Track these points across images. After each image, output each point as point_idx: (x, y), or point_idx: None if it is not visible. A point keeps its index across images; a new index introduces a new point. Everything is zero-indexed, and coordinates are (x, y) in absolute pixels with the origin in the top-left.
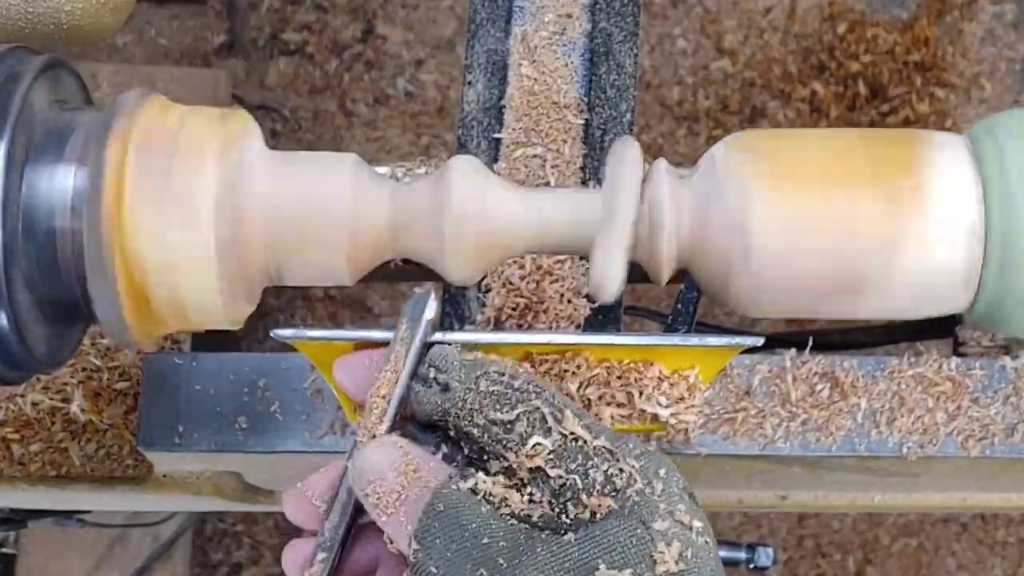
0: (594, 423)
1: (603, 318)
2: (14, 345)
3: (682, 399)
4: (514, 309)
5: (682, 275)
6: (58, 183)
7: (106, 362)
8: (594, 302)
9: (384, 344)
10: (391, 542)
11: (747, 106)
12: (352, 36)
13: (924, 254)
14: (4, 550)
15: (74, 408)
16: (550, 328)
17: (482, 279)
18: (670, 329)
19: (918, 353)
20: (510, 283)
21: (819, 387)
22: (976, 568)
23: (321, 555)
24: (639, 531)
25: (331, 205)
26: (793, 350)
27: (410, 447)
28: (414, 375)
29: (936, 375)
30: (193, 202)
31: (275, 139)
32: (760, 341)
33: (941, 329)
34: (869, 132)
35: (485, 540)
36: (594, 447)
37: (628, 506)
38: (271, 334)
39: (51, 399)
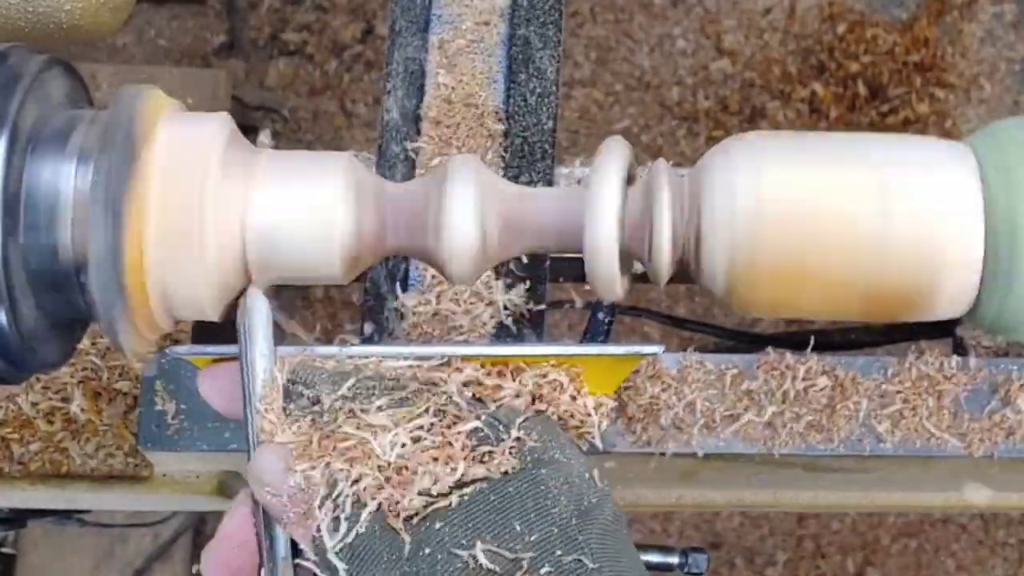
0: (476, 403)
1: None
2: (14, 345)
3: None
4: (427, 318)
5: (683, 276)
6: (59, 183)
7: (106, 362)
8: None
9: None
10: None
11: (747, 106)
12: (352, 36)
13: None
14: (4, 550)
15: (74, 408)
16: (466, 340)
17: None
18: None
19: (919, 353)
20: (419, 296)
21: (820, 387)
22: (976, 569)
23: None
24: (535, 477)
25: (327, 204)
26: (793, 350)
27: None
28: (287, 388)
29: (937, 375)
30: (191, 203)
31: (275, 139)
32: (661, 349)
33: (941, 329)
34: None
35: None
36: (478, 425)
37: (523, 461)
38: (167, 351)
39: (51, 399)
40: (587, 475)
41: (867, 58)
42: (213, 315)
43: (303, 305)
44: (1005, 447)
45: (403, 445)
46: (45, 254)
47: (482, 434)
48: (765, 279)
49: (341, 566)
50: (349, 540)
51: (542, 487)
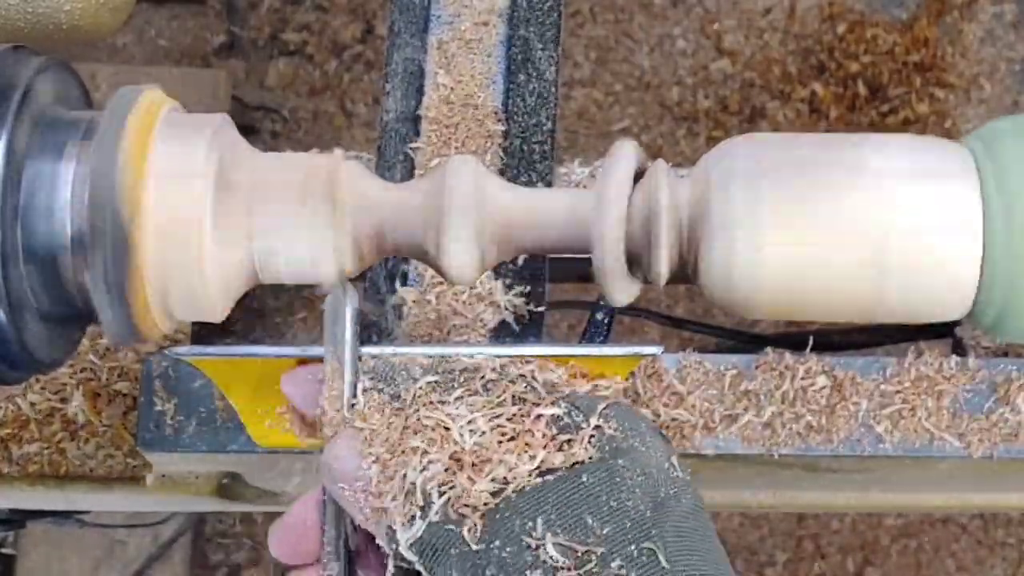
0: (553, 390)
1: (525, 327)
2: (13, 345)
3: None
4: (426, 320)
5: (682, 278)
6: (58, 184)
7: (105, 362)
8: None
9: (309, 359)
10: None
11: (747, 106)
12: (352, 36)
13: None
14: (3, 550)
15: (73, 408)
16: (466, 340)
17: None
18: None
19: (918, 353)
20: (419, 297)
21: (819, 387)
22: (976, 569)
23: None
24: (611, 468)
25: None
26: (792, 350)
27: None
28: (358, 377)
29: (936, 375)
30: (190, 204)
31: (275, 140)
32: (660, 350)
33: (941, 329)
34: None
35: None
36: (559, 411)
37: (600, 451)
38: (166, 352)
39: (50, 399)
40: (666, 464)
41: (867, 58)
42: (214, 317)
43: (303, 305)
44: (1005, 447)
45: (482, 433)
46: (44, 254)
47: (563, 422)
48: (764, 306)
49: (414, 558)
50: (420, 533)
51: (617, 478)
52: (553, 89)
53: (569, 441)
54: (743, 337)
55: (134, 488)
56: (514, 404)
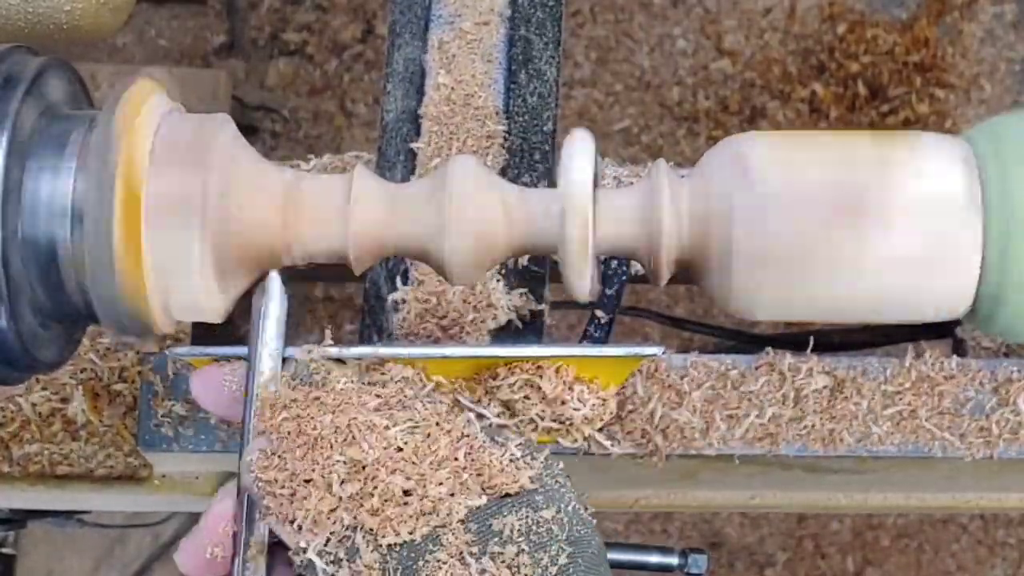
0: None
1: (525, 327)
2: (14, 345)
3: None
4: (426, 320)
5: (683, 276)
6: (58, 185)
7: (106, 362)
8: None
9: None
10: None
11: (747, 106)
12: (352, 36)
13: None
14: (3, 550)
15: (74, 408)
16: (462, 341)
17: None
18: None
19: (919, 353)
20: (419, 297)
21: (819, 387)
22: (976, 569)
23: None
24: (533, 503)
25: (330, 205)
26: (793, 350)
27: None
28: (290, 383)
29: (937, 375)
30: (192, 205)
31: (275, 139)
32: (661, 350)
33: (941, 329)
34: (870, 139)
35: None
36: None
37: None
38: (166, 352)
39: (51, 400)
40: (579, 506)
41: (867, 58)
42: (213, 317)
43: (303, 305)
44: (1005, 447)
45: (398, 449)
46: (45, 255)
47: (481, 445)
48: (766, 302)
49: (320, 565)
50: (331, 546)
51: (540, 515)
52: (554, 89)
53: (489, 468)
54: (743, 337)
55: (134, 488)
56: (436, 422)
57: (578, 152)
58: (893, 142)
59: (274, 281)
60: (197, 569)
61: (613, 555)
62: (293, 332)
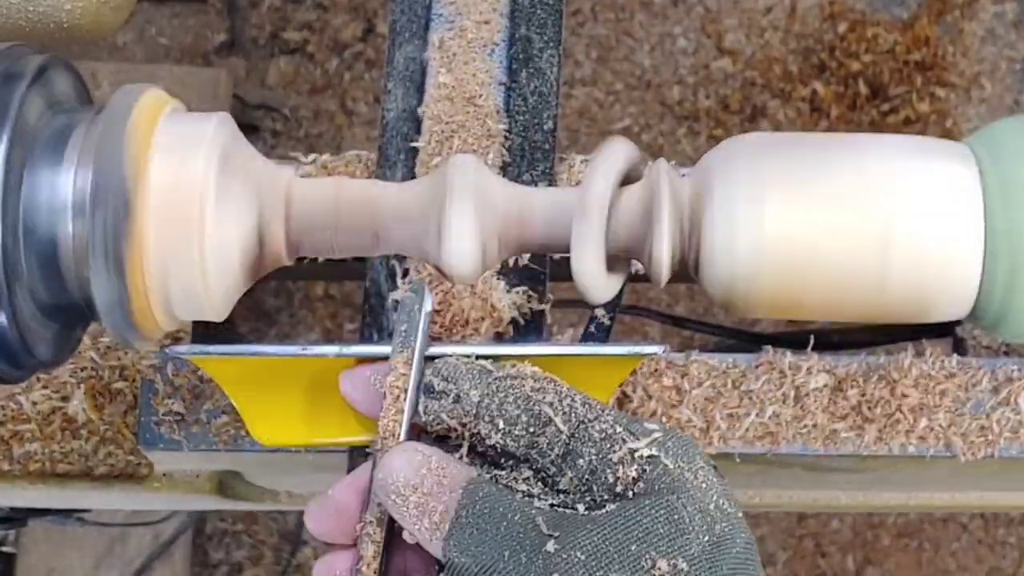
0: (607, 409)
1: (526, 326)
2: (14, 344)
3: None
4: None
5: (683, 275)
6: (59, 183)
7: (106, 361)
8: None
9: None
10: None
11: (748, 105)
12: (352, 35)
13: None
14: (4, 549)
15: (74, 407)
16: (463, 339)
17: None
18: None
19: (919, 353)
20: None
21: (819, 386)
22: (976, 568)
23: (370, 564)
24: (669, 503)
25: (330, 205)
26: (793, 350)
27: (431, 451)
28: (420, 384)
29: (937, 374)
30: (194, 205)
31: (276, 138)
32: (661, 349)
33: (941, 329)
34: (870, 139)
35: (520, 527)
36: (609, 430)
37: (657, 483)
38: (167, 351)
39: (51, 398)
40: (722, 501)
41: (868, 57)
42: (215, 316)
43: (303, 305)
44: (1005, 447)
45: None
46: (45, 253)
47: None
48: (765, 299)
49: (466, 564)
50: (474, 545)
51: (676, 515)
52: (554, 88)
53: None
54: (744, 336)
55: (135, 486)
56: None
57: (610, 155)
58: (894, 143)
59: (424, 285)
60: (324, 533)
61: None
62: (293, 331)
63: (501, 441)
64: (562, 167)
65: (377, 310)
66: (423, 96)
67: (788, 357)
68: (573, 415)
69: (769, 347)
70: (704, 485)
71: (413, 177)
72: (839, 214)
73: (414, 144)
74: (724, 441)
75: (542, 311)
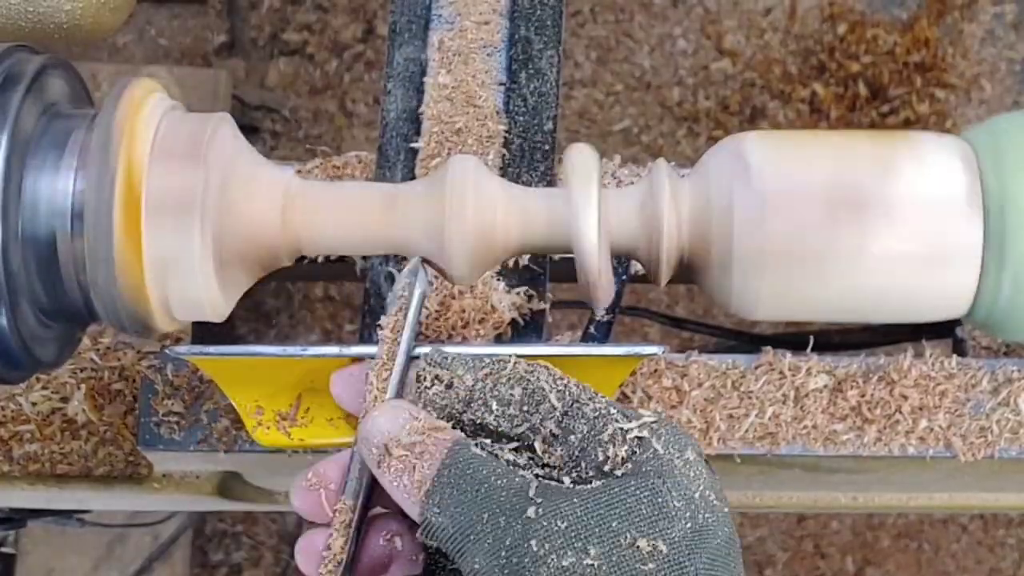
0: (597, 394)
1: (525, 327)
2: (14, 345)
3: None
4: (426, 319)
5: (682, 275)
6: (58, 183)
7: (106, 362)
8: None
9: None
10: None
11: (747, 107)
12: (352, 36)
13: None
14: (4, 550)
15: (74, 407)
16: (463, 340)
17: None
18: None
19: (919, 353)
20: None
21: (819, 387)
22: (976, 569)
23: (339, 541)
24: (654, 486)
25: (330, 205)
26: (793, 350)
27: (418, 411)
28: (410, 352)
29: (937, 375)
30: (191, 203)
31: (275, 139)
32: (661, 350)
33: (941, 329)
34: (873, 139)
35: (502, 491)
36: (602, 410)
37: (645, 465)
38: (167, 351)
39: (51, 399)
40: (709, 493)
41: (867, 58)
42: (215, 317)
43: (303, 305)
44: (1005, 448)
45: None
46: (45, 253)
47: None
48: (765, 299)
49: (443, 524)
50: (454, 505)
51: (660, 499)
52: (554, 89)
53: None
54: (743, 337)
55: (134, 487)
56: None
57: (580, 163)
58: (893, 141)
59: (420, 269)
60: (307, 510)
61: None
62: (292, 332)
63: (495, 423)
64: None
65: (377, 311)
66: (423, 97)
67: (788, 358)
68: (567, 393)
69: (769, 348)
70: (692, 474)
71: (413, 177)
72: (838, 216)
73: (414, 145)
74: (724, 442)
75: (542, 311)
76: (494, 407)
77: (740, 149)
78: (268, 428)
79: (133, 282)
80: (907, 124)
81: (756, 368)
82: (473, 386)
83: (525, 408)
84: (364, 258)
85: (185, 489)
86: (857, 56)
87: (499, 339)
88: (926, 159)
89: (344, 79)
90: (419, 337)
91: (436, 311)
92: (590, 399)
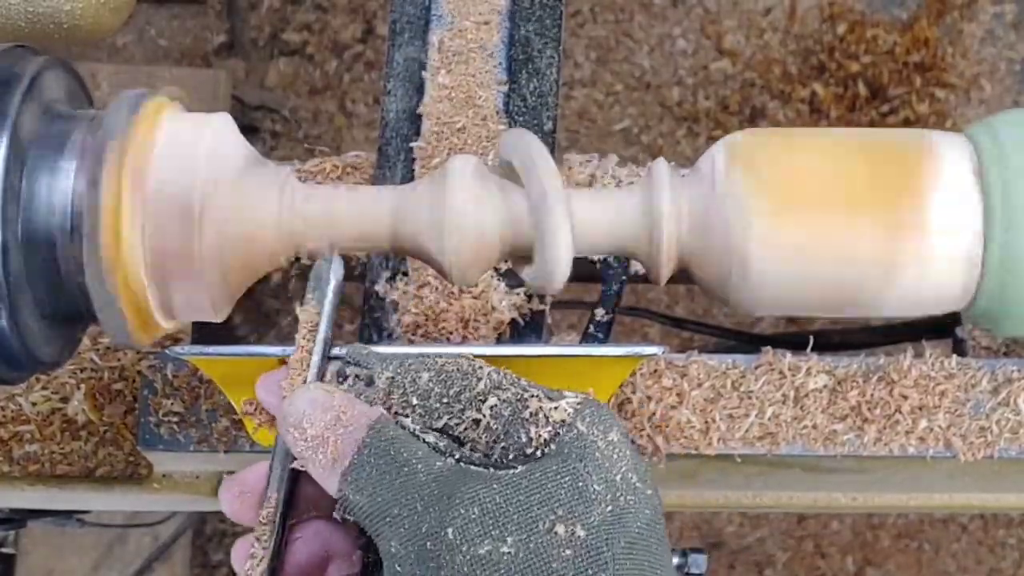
0: (520, 379)
1: (525, 327)
2: (14, 345)
3: None
4: (426, 320)
5: (682, 275)
6: (58, 184)
7: (106, 362)
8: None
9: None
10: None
11: (747, 106)
12: (352, 36)
13: (922, 274)
14: (4, 550)
15: (74, 408)
16: (464, 340)
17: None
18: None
19: (919, 353)
20: (419, 297)
21: (819, 387)
22: (976, 569)
23: (264, 537)
24: (575, 469)
25: (329, 205)
26: (793, 350)
27: (336, 391)
28: (329, 336)
29: (937, 375)
30: (191, 203)
31: (275, 139)
32: (661, 350)
33: (941, 329)
34: (870, 141)
35: (421, 475)
36: (524, 392)
37: (567, 447)
38: (166, 352)
39: (51, 399)
40: (631, 475)
41: (867, 58)
42: (214, 317)
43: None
44: (1005, 448)
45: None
46: (45, 254)
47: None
48: (766, 296)
49: (360, 503)
50: (372, 485)
51: (580, 483)
52: (554, 89)
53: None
54: (743, 337)
55: (134, 487)
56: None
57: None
58: (893, 133)
59: (335, 258)
60: (236, 513)
61: None
62: (292, 332)
63: (417, 416)
64: (561, 168)
65: (376, 311)
66: (423, 96)
67: (788, 358)
68: (488, 378)
69: (769, 348)
70: (615, 456)
71: (413, 177)
72: (837, 211)
73: (414, 144)
74: (724, 442)
75: (542, 311)
76: (414, 401)
77: (739, 159)
78: (268, 428)
79: (132, 282)
80: (907, 124)
81: (756, 368)
82: (392, 379)
83: (446, 400)
84: (365, 257)
85: (185, 489)
86: (857, 56)
87: (499, 339)
88: (928, 153)
89: (344, 79)
90: (336, 327)
91: (436, 311)
92: (512, 383)
